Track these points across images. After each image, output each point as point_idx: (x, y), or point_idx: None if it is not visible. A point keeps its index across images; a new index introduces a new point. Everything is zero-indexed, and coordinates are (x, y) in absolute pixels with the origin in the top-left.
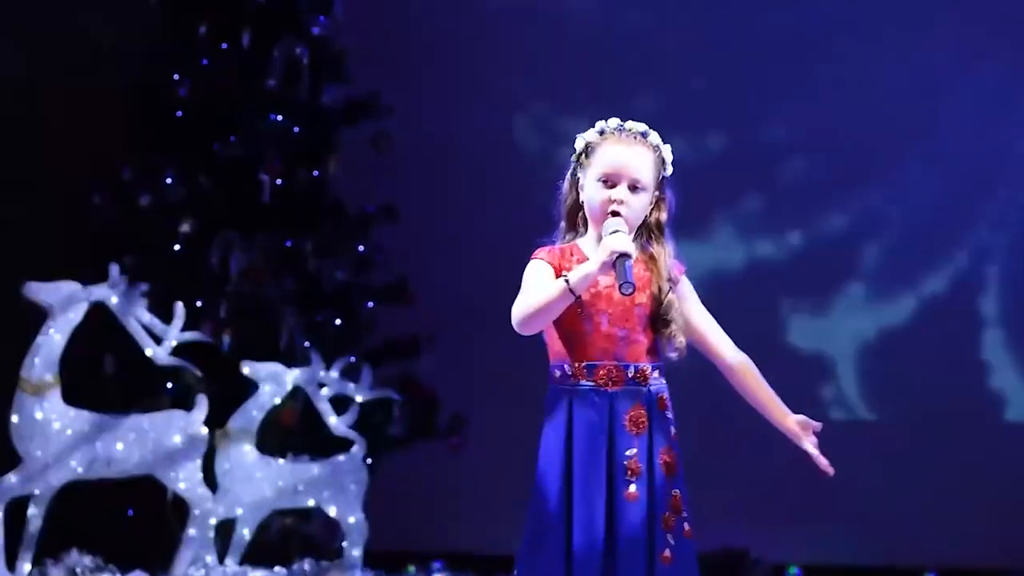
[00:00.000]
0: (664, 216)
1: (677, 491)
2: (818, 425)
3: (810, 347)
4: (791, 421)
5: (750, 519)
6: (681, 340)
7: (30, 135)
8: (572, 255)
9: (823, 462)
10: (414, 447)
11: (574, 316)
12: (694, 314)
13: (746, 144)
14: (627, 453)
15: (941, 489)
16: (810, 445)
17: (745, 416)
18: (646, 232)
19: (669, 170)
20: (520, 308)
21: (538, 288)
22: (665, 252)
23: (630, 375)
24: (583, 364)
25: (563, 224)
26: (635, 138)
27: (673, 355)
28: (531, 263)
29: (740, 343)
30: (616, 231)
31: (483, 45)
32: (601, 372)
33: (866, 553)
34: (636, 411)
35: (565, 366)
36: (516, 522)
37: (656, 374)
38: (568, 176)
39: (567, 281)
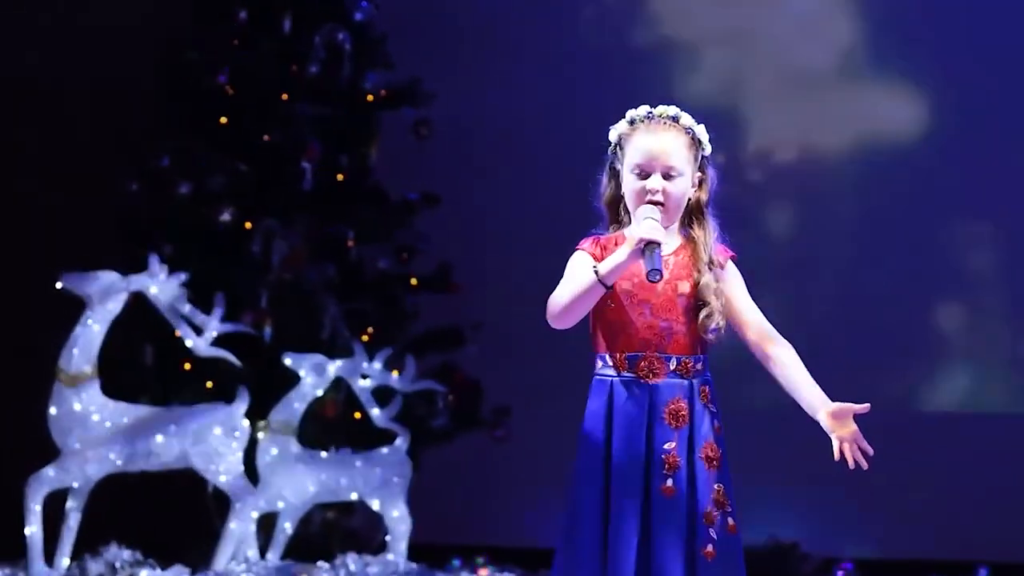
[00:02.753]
0: (705, 196)
1: (720, 485)
2: (861, 408)
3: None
4: (823, 413)
5: (801, 512)
6: (718, 322)
7: (67, 123)
8: (616, 245)
9: (848, 456)
10: (458, 439)
11: (616, 306)
12: (735, 299)
13: None
14: (665, 447)
15: (994, 483)
16: (836, 440)
17: (793, 407)
18: (687, 215)
19: (708, 149)
20: (552, 301)
21: (571, 280)
22: (706, 234)
23: (672, 367)
24: (624, 355)
25: (607, 217)
26: (665, 123)
27: (710, 336)
28: (574, 254)
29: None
30: (647, 218)
31: (528, 28)
32: (642, 364)
33: (918, 547)
34: (676, 404)
35: (607, 357)
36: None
37: (700, 366)
38: (606, 168)
39: (596, 271)
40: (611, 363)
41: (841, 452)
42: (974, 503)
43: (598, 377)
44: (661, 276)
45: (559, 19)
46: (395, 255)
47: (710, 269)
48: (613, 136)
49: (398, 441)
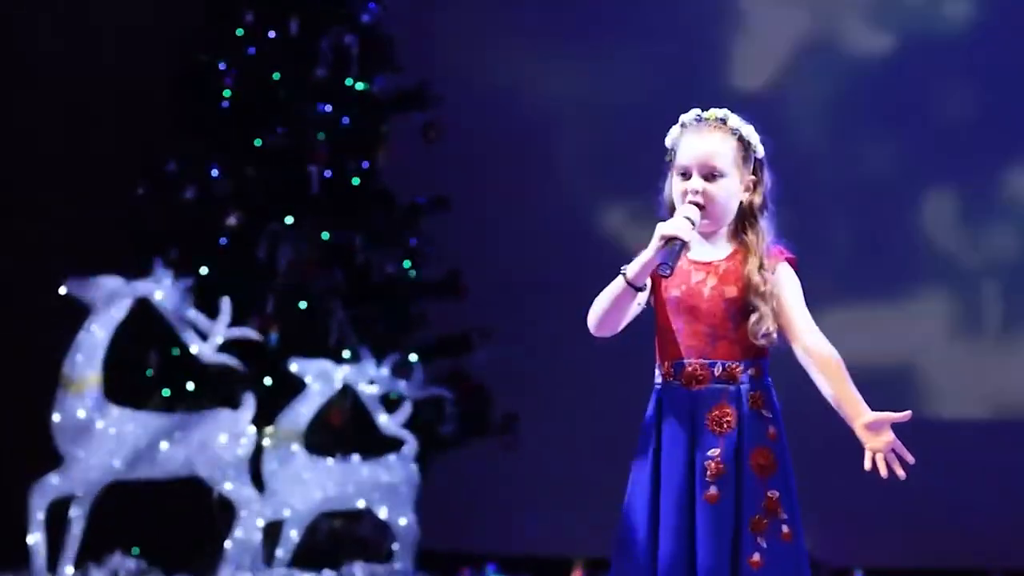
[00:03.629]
0: (759, 200)
1: (775, 492)
2: (901, 416)
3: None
4: (859, 424)
5: (813, 521)
6: (768, 327)
7: (71, 126)
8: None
9: (881, 467)
10: (467, 446)
11: (665, 314)
12: (784, 303)
13: None
14: (709, 453)
15: (1008, 492)
16: (869, 451)
17: (809, 413)
18: (741, 219)
19: (760, 151)
20: (592, 311)
21: (608, 288)
22: (759, 239)
23: (716, 373)
24: (671, 363)
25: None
26: (712, 126)
27: (762, 342)
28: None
29: None
30: (680, 216)
31: (536, 31)
32: (687, 371)
33: (931, 557)
34: (720, 410)
35: (658, 366)
36: (572, 523)
37: (753, 371)
38: (668, 176)
39: (623, 273)
40: (661, 372)
41: (873, 462)
42: (987, 512)
43: (655, 387)
44: (671, 271)
45: (571, 19)
46: (403, 259)
47: (760, 273)
48: (669, 142)
49: (406, 448)
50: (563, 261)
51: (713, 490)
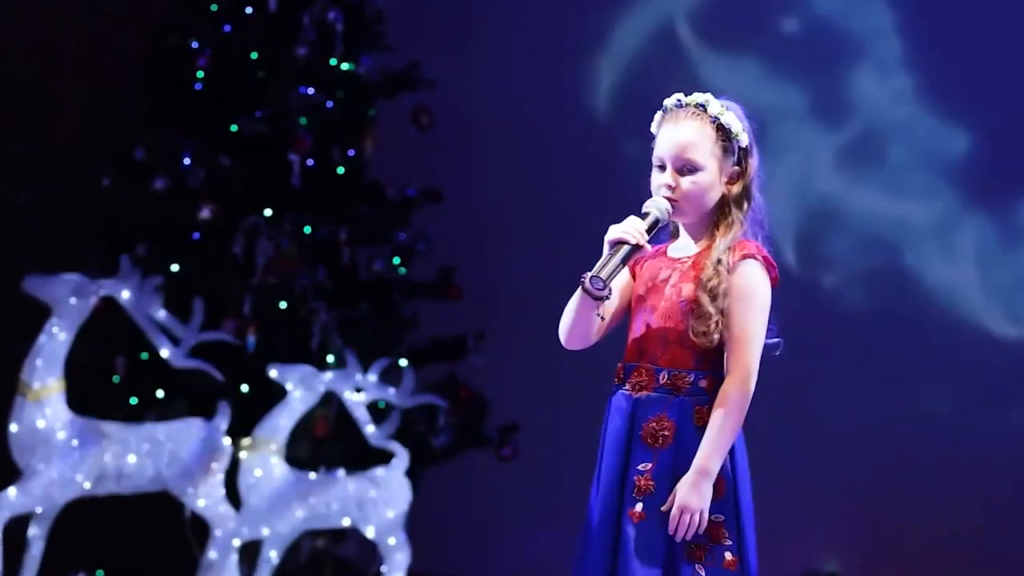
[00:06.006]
0: (738, 191)
1: (719, 516)
2: (668, 512)
3: None
4: (685, 480)
5: (839, 543)
6: (708, 327)
7: (33, 112)
8: (665, 254)
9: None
10: (461, 459)
11: (630, 312)
12: (729, 308)
13: None
14: (639, 468)
15: None
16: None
17: (835, 438)
18: (719, 211)
19: (744, 140)
20: (561, 321)
21: (572, 298)
22: (728, 231)
23: (660, 381)
24: (624, 365)
25: None
26: (691, 113)
27: (700, 341)
28: None
29: None
30: (644, 212)
31: (539, 9)
32: (634, 376)
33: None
34: (658, 422)
35: (618, 368)
36: (571, 540)
37: (705, 383)
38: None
39: (582, 282)
40: (616, 375)
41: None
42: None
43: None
44: (603, 285)
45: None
46: (392, 257)
47: (715, 266)
48: (654, 128)
49: (395, 461)
50: (565, 259)
51: (638, 508)
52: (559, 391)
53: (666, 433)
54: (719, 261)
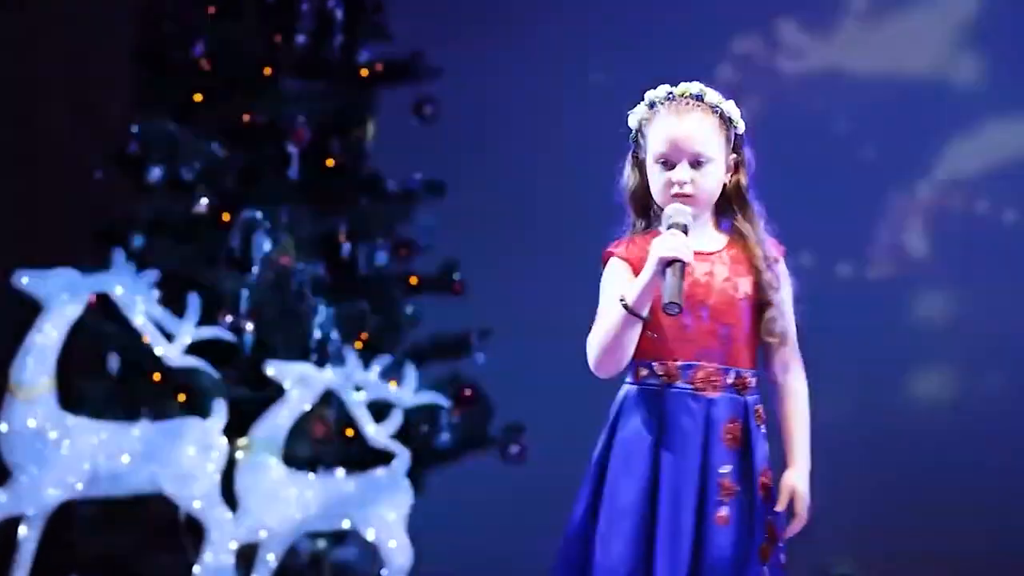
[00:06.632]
0: (744, 180)
1: (771, 518)
2: (797, 513)
3: None
4: (790, 476)
5: (855, 544)
6: (783, 324)
7: (22, 101)
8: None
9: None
10: (465, 459)
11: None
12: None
13: None
14: (721, 470)
15: None
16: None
17: (844, 429)
18: (728, 204)
19: (741, 127)
20: (591, 348)
21: (602, 318)
22: (755, 226)
23: (729, 380)
24: (678, 363)
25: (630, 211)
26: (689, 104)
27: (773, 340)
28: (606, 267)
29: None
30: (673, 224)
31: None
32: (699, 374)
33: None
34: (734, 423)
35: (655, 365)
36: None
37: (755, 382)
38: (629, 158)
39: (624, 304)
40: (661, 371)
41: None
42: None
43: (640, 386)
44: (680, 310)
45: None
46: (394, 251)
47: (767, 263)
48: (633, 122)
49: (397, 462)
50: (573, 254)
51: (724, 512)
52: (567, 390)
53: (740, 435)
54: (765, 256)
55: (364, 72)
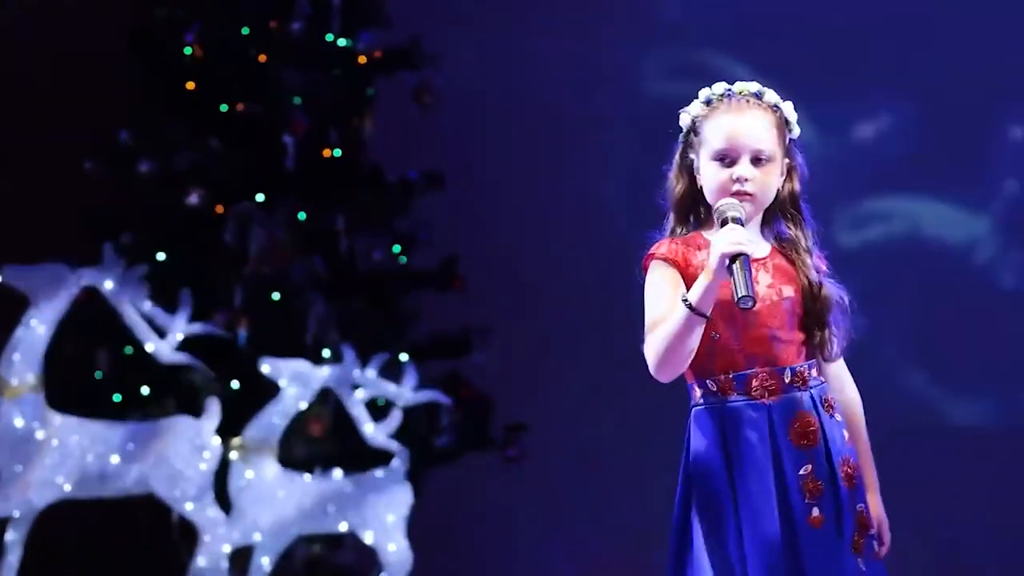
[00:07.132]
0: (797, 186)
1: (862, 505)
2: (881, 544)
3: None
4: (872, 500)
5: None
6: (824, 335)
7: (10, 91)
8: (700, 248)
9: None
10: (465, 460)
11: (713, 321)
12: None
13: None
14: (800, 472)
15: None
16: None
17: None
18: (779, 210)
19: (796, 131)
20: (650, 350)
21: (665, 322)
22: (805, 235)
23: (787, 380)
24: (731, 376)
25: (671, 217)
26: (748, 101)
27: (823, 360)
28: (650, 270)
29: None
30: (729, 219)
31: None
32: (754, 382)
33: None
34: (802, 420)
35: (709, 382)
36: (583, 549)
37: (815, 372)
38: (676, 159)
39: (688, 304)
40: (715, 387)
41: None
42: None
43: (701, 407)
44: (754, 302)
45: None
46: (392, 245)
47: (818, 275)
48: (685, 120)
49: (395, 462)
50: (575, 249)
51: (816, 512)
52: (569, 389)
53: (813, 429)
54: (818, 268)
55: (362, 59)
